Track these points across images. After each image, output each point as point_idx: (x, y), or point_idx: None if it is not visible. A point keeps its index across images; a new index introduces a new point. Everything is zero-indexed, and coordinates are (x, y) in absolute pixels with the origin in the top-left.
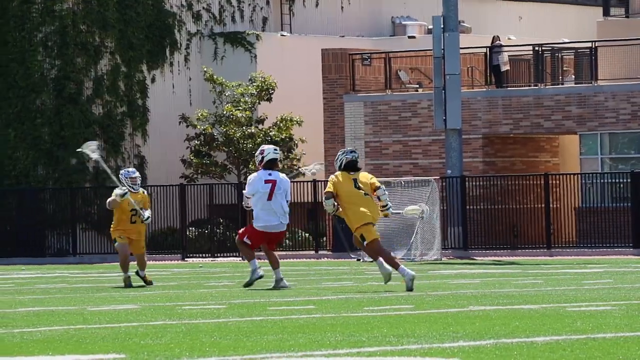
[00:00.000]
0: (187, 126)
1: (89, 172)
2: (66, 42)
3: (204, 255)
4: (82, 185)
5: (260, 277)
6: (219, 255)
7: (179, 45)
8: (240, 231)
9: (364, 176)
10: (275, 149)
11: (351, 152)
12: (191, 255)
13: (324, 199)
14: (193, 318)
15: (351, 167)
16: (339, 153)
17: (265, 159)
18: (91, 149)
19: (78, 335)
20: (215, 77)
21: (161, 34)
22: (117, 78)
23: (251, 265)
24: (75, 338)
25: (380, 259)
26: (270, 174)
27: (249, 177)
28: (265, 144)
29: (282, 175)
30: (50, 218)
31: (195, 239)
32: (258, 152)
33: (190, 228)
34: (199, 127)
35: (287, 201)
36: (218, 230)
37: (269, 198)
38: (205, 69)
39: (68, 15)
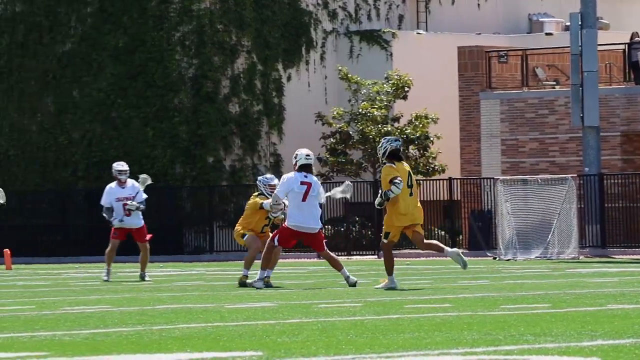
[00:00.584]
0: (323, 124)
1: (225, 170)
2: (203, 41)
3: (340, 253)
4: (218, 184)
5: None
6: (355, 253)
7: (314, 43)
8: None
9: (411, 172)
10: (308, 155)
11: (396, 140)
12: None
13: (395, 185)
14: (329, 316)
15: (395, 155)
16: (383, 141)
17: (298, 164)
18: (343, 191)
19: (216, 333)
20: (350, 75)
21: (297, 32)
22: (253, 77)
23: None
24: (212, 335)
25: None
26: (306, 176)
27: (283, 177)
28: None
29: (315, 179)
30: (188, 216)
31: (332, 237)
32: (294, 155)
33: (326, 226)
34: (334, 125)
35: (319, 203)
36: (354, 229)
37: (304, 199)
38: (340, 68)
39: (205, 14)
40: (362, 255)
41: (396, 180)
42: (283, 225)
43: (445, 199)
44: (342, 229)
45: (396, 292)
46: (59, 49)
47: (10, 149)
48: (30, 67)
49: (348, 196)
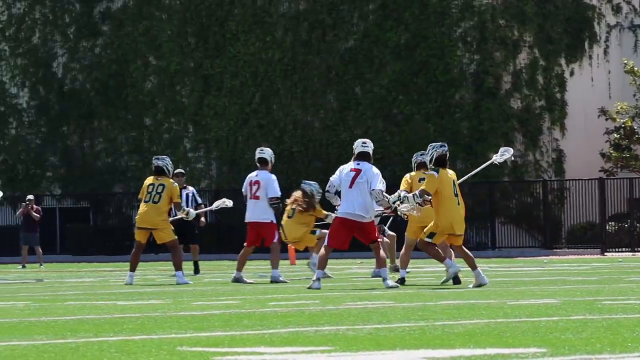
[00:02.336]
0: (607, 119)
1: (507, 166)
2: (485, 37)
3: (623, 249)
4: (500, 179)
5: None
6: (639, 249)
7: (598, 38)
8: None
9: (455, 180)
10: (364, 143)
11: (441, 146)
12: (610, 249)
13: (422, 197)
14: (614, 313)
15: (442, 162)
16: (429, 147)
17: (355, 152)
18: (502, 154)
19: (499, 329)
20: (635, 69)
21: (580, 27)
22: (535, 72)
23: (384, 272)
24: (496, 331)
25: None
26: (358, 164)
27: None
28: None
29: (369, 166)
30: (469, 211)
31: (615, 233)
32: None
33: (610, 222)
34: (618, 120)
35: (375, 191)
36: (638, 225)
37: (350, 186)
38: (625, 62)
39: (487, 10)
40: None
41: (425, 197)
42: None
43: None
44: (626, 225)
45: None
46: (342, 45)
47: (294, 145)
48: (313, 64)
49: (507, 157)
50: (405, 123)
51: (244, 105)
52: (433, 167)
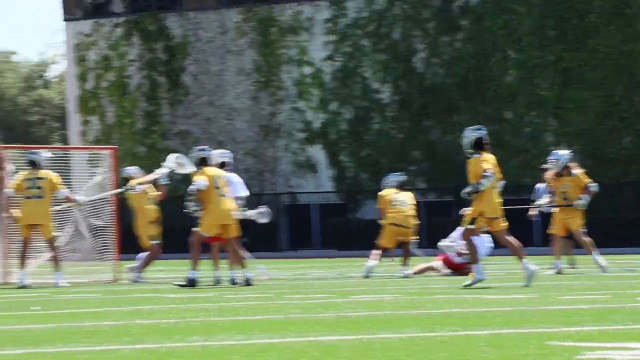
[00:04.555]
0: None
1: None
2: None
3: None
4: None
5: None
6: None
7: None
8: None
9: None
10: None
11: (478, 129)
12: None
13: (486, 178)
14: None
15: (481, 145)
16: (466, 131)
17: None
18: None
19: None
20: None
21: None
22: None
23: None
24: None
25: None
26: None
27: None
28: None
29: None
30: None
31: None
32: None
33: None
34: None
35: None
36: None
37: None
38: None
39: None
40: None
41: (487, 173)
42: None
43: None
44: None
45: None
46: None
47: None
48: None
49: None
50: None
51: (606, 98)
52: (472, 151)
